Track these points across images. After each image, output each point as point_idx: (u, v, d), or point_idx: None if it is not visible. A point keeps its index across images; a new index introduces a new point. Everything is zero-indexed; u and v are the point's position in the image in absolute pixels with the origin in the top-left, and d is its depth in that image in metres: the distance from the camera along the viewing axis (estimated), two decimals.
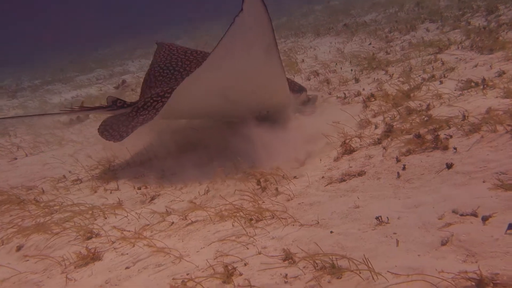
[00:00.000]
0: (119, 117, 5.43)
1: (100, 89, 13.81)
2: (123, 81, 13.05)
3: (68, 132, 8.16)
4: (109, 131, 5.20)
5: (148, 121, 4.96)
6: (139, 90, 11.69)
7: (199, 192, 4.43)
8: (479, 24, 8.57)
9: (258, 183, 4.28)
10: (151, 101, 5.31)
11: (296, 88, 5.93)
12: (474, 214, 2.93)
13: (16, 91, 17.17)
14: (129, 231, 3.72)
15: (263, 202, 3.92)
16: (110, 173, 5.46)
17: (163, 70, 6.25)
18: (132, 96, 10.99)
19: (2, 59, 31.79)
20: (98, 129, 5.35)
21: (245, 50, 4.12)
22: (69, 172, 5.85)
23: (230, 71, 4.39)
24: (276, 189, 4.13)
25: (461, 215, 2.97)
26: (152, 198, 4.52)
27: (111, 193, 4.89)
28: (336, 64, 9.16)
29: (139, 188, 4.83)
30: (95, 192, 5.00)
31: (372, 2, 19.12)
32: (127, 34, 33.51)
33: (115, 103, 5.65)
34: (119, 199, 4.56)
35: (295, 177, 4.40)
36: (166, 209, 4.07)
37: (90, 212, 4.24)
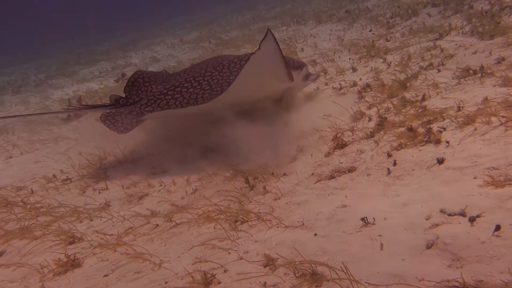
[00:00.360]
0: (123, 111, 5.40)
1: (101, 83, 13.73)
2: (123, 74, 12.97)
3: (65, 129, 8.12)
4: (112, 122, 5.23)
5: (150, 113, 5.14)
6: None
7: (186, 192, 4.35)
8: (481, 7, 8.31)
9: (247, 181, 4.18)
10: (154, 99, 5.33)
11: (296, 65, 5.83)
12: (462, 214, 2.82)
13: (21, 86, 17.19)
14: (111, 235, 3.65)
15: (250, 201, 3.83)
16: (101, 171, 5.40)
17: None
18: None
19: (12, 52, 31.75)
20: (100, 117, 5.33)
21: (261, 74, 4.75)
22: (61, 171, 5.79)
23: (251, 88, 4.98)
24: (264, 187, 4.04)
25: (449, 215, 2.86)
26: (140, 198, 4.45)
27: (99, 193, 4.83)
28: (335, 53, 8.98)
29: (128, 188, 4.77)
30: (84, 192, 4.94)
31: None
32: (133, 24, 33.22)
33: (118, 102, 5.60)
34: (106, 200, 4.49)
35: (285, 174, 4.30)
36: (152, 211, 3.99)
37: (76, 214, 4.18)
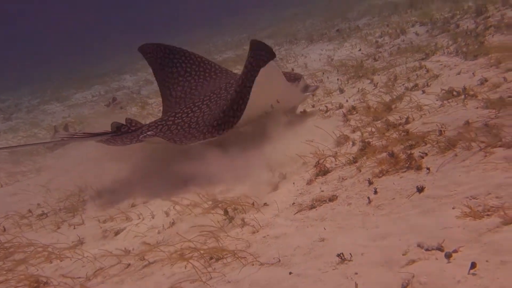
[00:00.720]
0: (124, 137, 5.50)
1: (93, 108, 13.68)
2: (114, 99, 12.93)
3: (49, 157, 8.00)
4: (113, 142, 5.36)
5: (159, 136, 5.27)
6: (129, 108, 11.67)
7: (163, 225, 4.22)
8: (467, 27, 8.33)
9: (226, 213, 4.07)
10: (156, 124, 5.55)
11: (292, 78, 5.85)
12: (440, 248, 2.71)
13: (13, 112, 17.12)
14: (79, 278, 3.51)
15: (228, 235, 3.71)
16: (80, 204, 5.29)
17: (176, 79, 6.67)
18: (121, 115, 10.82)
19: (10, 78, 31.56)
20: (101, 141, 5.46)
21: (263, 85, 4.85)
22: (38, 204, 5.65)
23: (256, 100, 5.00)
24: (243, 219, 3.92)
25: (426, 249, 2.75)
26: (116, 233, 4.32)
27: (74, 228, 4.70)
28: (323, 73, 8.95)
29: (105, 222, 4.64)
30: (59, 228, 4.80)
31: (369, 4, 18.98)
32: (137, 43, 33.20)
33: (119, 129, 5.62)
34: (79, 237, 4.35)
35: (265, 204, 4.19)
36: (125, 248, 3.87)
37: (46, 254, 4.04)
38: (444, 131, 4.26)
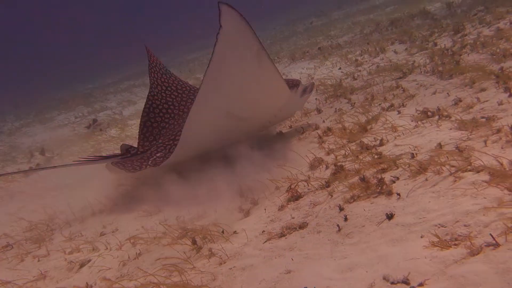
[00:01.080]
0: (133, 159, 5.42)
1: (74, 129, 13.50)
2: (94, 120, 12.78)
3: (24, 183, 7.80)
4: (122, 165, 5.20)
5: (164, 161, 5.05)
6: (109, 130, 11.53)
7: (129, 256, 4.07)
8: (444, 45, 8.36)
9: (194, 242, 3.94)
10: (164, 145, 5.42)
11: (291, 84, 5.69)
12: (405, 282, 2.61)
13: None
14: None
15: (193, 267, 3.57)
16: (48, 233, 5.10)
17: (166, 104, 6.34)
18: (100, 137, 10.69)
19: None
20: (109, 165, 5.37)
21: (238, 62, 4.19)
22: (4, 234, 5.44)
23: (230, 87, 4.42)
24: (210, 249, 3.79)
25: (392, 283, 2.65)
26: (81, 266, 4.15)
27: (38, 261, 4.51)
28: None
29: (71, 253, 4.47)
30: (22, 261, 4.60)
31: (352, 21, 19.16)
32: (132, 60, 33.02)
33: (129, 151, 5.65)
34: (41, 272, 4.16)
35: (235, 232, 4.07)
36: (87, 283, 3.70)
37: None
38: (416, 154, 4.20)
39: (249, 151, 5.26)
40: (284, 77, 11.58)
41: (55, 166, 5.84)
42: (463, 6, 12.15)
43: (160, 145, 5.50)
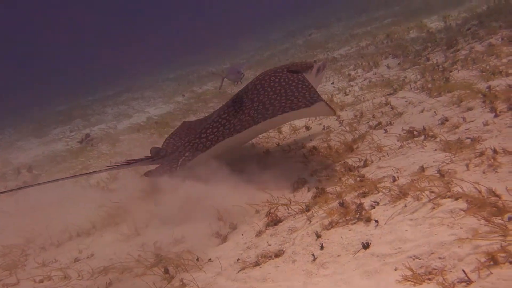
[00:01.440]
0: (165, 161, 5.57)
1: (67, 144, 13.38)
2: (87, 135, 12.65)
3: (9, 200, 7.61)
4: (158, 172, 5.39)
5: (197, 154, 5.32)
6: (100, 145, 11.40)
7: (98, 287, 3.92)
8: (436, 60, 8.23)
9: (166, 271, 3.80)
10: (192, 142, 5.53)
11: (305, 67, 5.97)
12: None
13: None
14: None
15: None
16: (21, 259, 4.95)
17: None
18: (91, 152, 10.56)
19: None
20: (145, 174, 5.54)
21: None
22: None
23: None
24: (182, 280, 3.64)
25: None
26: None
27: None
28: None
29: (41, 281, 4.32)
30: None
31: (349, 34, 19.10)
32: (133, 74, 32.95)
33: (158, 154, 5.76)
34: None
35: (209, 259, 3.92)
36: None
37: None
38: (398, 177, 4.07)
39: (231, 174, 5.12)
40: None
41: (65, 178, 5.80)
42: (458, 20, 12.06)
43: (186, 144, 5.60)
